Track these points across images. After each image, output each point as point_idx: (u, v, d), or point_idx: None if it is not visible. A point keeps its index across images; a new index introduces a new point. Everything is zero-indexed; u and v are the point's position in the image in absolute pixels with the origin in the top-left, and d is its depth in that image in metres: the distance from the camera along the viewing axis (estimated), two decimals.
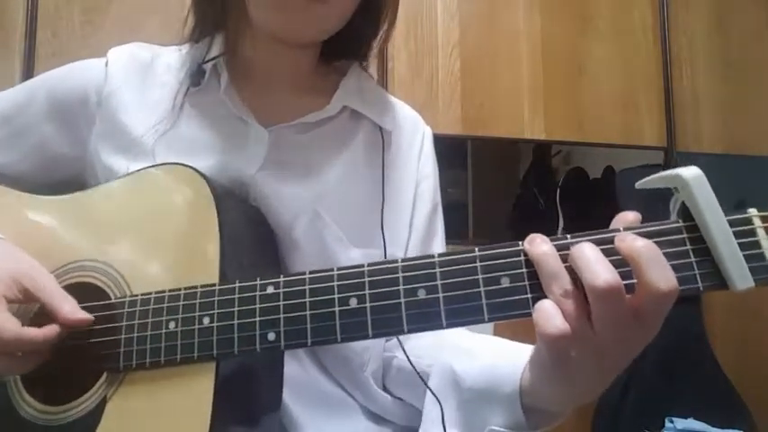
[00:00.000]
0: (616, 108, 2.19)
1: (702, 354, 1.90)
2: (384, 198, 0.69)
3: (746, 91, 2.28)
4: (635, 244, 0.40)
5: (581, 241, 0.42)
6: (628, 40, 2.23)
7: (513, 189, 2.14)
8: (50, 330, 0.51)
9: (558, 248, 0.43)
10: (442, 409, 0.57)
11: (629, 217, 0.44)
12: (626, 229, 0.43)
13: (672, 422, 1.68)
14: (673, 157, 2.18)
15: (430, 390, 0.59)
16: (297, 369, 0.62)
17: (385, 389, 0.68)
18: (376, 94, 0.77)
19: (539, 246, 0.43)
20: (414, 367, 0.62)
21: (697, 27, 2.29)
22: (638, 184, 0.46)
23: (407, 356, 0.63)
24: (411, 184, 0.74)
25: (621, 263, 0.41)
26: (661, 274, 0.39)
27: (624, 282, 0.40)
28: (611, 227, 0.44)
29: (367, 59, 0.78)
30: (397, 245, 0.70)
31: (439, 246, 0.75)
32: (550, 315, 0.41)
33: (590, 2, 2.21)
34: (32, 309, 0.55)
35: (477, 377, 0.56)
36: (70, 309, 0.52)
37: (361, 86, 0.75)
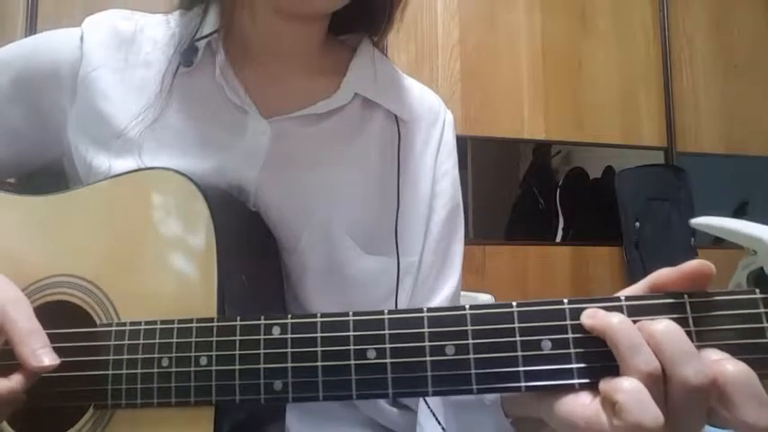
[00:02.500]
0: (616, 108, 2.19)
1: None
2: (399, 200, 0.62)
3: (746, 91, 2.28)
4: (726, 369, 0.34)
5: (643, 303, 0.37)
6: (628, 40, 2.23)
7: (513, 189, 2.14)
8: (16, 382, 0.44)
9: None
10: (443, 429, 0.55)
11: (703, 269, 0.37)
12: (691, 296, 0.37)
13: None
14: (673, 157, 2.18)
15: (432, 413, 0.57)
16: None
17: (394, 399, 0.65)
18: (390, 77, 0.68)
19: (606, 317, 0.37)
20: (429, 408, 0.58)
21: (697, 27, 2.29)
22: (700, 225, 0.39)
23: (429, 407, 0.58)
24: (428, 181, 0.66)
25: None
26: (757, 413, 0.33)
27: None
28: (674, 277, 0.38)
29: (383, 35, 0.68)
30: (413, 250, 0.63)
31: (457, 252, 0.67)
32: (645, 400, 0.34)
33: (590, 2, 2.21)
34: None
35: None
36: (32, 350, 0.44)
37: (375, 67, 0.66)
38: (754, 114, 2.27)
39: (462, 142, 2.07)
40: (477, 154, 2.08)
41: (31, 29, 1.80)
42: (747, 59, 2.30)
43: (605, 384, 0.36)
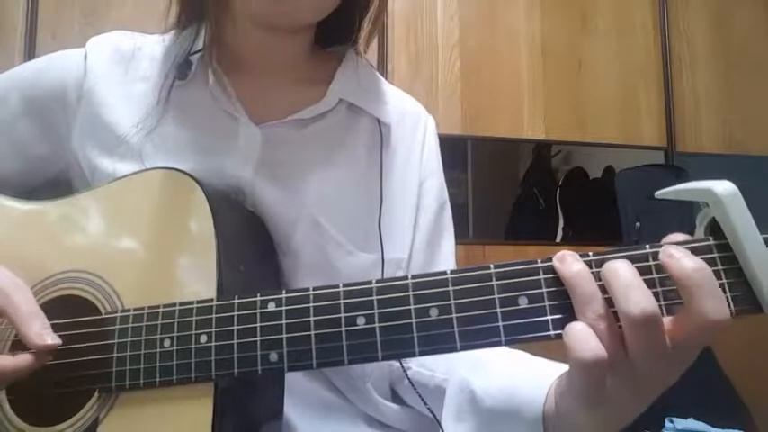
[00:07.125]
0: (616, 108, 2.19)
1: (702, 353, 1.90)
2: (382, 199, 0.65)
3: (746, 91, 2.28)
4: (686, 266, 0.37)
5: (615, 257, 0.39)
6: (628, 40, 2.23)
7: (513, 189, 2.14)
8: (22, 360, 0.48)
9: (593, 265, 0.40)
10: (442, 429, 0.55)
11: (678, 239, 0.40)
12: (652, 246, 0.40)
13: (672, 422, 1.68)
14: (673, 157, 2.18)
15: (434, 417, 0.57)
16: (293, 374, 0.59)
17: (395, 395, 0.66)
18: (373, 84, 0.72)
19: (570, 265, 0.40)
20: (419, 395, 0.59)
21: (697, 27, 2.29)
22: (660, 194, 0.42)
23: (414, 387, 0.59)
24: (414, 181, 0.70)
25: (660, 282, 0.39)
26: (714, 306, 0.36)
27: (665, 303, 0.38)
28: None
29: (357, 41, 0.72)
30: (401, 247, 0.66)
31: (447, 246, 0.71)
32: (584, 338, 0.38)
33: (590, 2, 2.21)
34: (11, 330, 0.52)
35: (497, 397, 0.52)
36: (37, 331, 0.48)
37: (359, 75, 0.70)
38: (754, 114, 2.27)
39: (462, 142, 2.07)
40: (477, 154, 2.08)
41: (31, 30, 1.80)
42: (748, 60, 2.30)
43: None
